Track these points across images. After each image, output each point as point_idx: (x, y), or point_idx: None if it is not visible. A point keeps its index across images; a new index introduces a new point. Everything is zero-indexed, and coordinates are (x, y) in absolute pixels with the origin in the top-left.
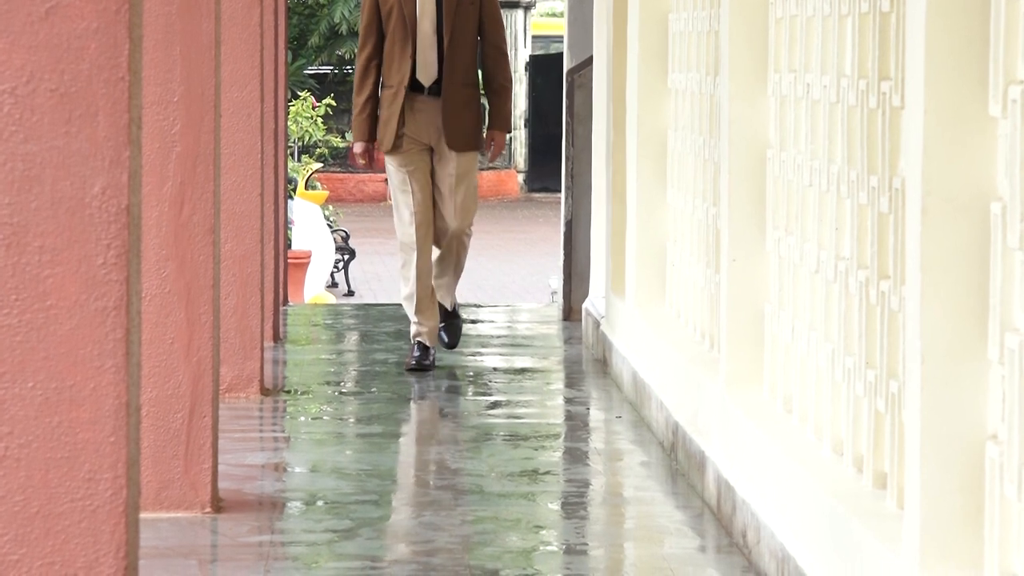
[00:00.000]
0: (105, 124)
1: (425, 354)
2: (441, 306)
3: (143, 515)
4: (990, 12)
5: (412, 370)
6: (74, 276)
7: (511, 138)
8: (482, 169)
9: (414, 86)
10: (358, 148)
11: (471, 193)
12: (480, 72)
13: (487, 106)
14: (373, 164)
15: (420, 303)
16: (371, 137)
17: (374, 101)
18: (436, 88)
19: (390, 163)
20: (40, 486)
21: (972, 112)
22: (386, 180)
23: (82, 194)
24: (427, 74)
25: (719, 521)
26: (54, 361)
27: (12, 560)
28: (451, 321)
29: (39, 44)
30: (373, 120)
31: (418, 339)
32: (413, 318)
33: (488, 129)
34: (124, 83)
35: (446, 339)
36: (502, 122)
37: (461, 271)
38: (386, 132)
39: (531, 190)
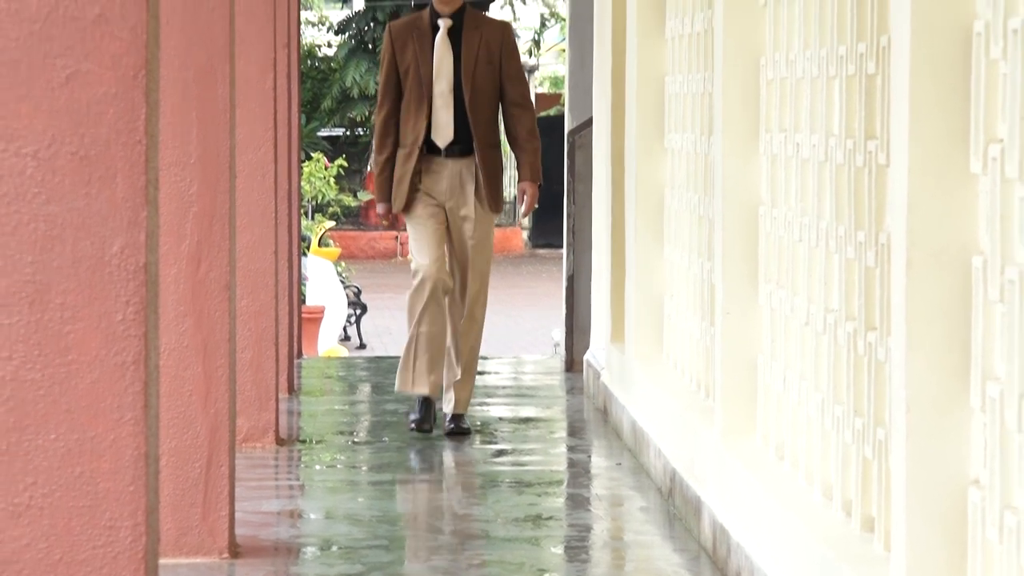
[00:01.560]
0: (124, 186)
1: (426, 414)
2: (455, 416)
3: (162, 561)
4: (971, 74)
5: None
6: (94, 332)
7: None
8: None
9: (430, 147)
10: (380, 209)
11: (487, 251)
12: (505, 129)
13: (517, 161)
14: (397, 224)
15: (423, 362)
16: (390, 198)
17: (393, 161)
18: (453, 149)
19: (407, 220)
20: (63, 534)
21: (954, 169)
22: (396, 237)
23: (102, 253)
24: (442, 135)
25: (715, 564)
26: (76, 413)
27: None
28: (460, 428)
29: (60, 109)
30: (391, 181)
31: (418, 393)
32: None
33: (519, 182)
34: (141, 146)
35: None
36: (533, 174)
37: (474, 360)
38: (399, 192)
39: (535, 246)
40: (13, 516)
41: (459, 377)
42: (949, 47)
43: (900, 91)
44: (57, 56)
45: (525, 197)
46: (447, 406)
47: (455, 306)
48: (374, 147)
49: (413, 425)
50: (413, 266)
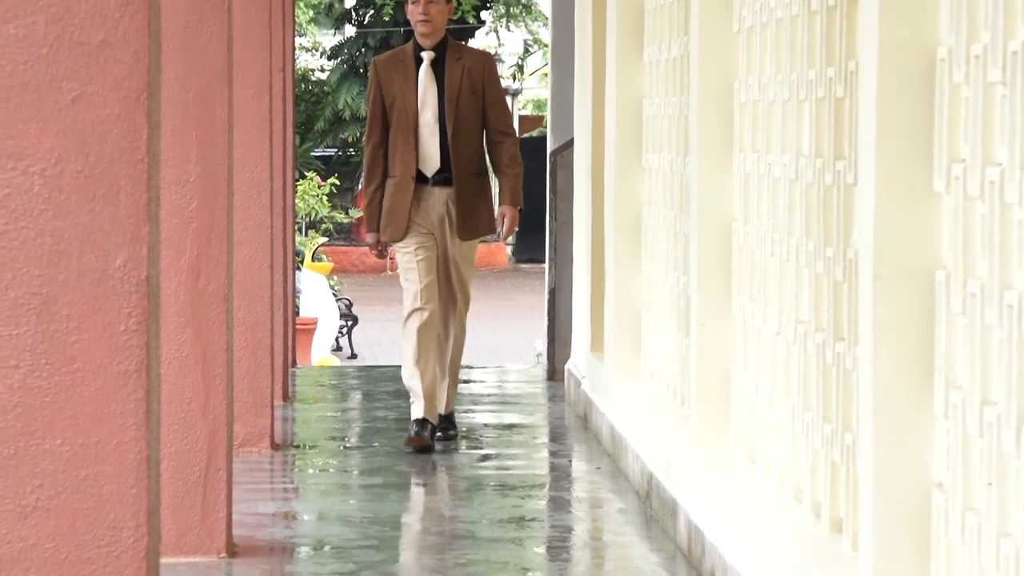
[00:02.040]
0: (126, 202)
1: (423, 429)
2: (444, 416)
3: (163, 560)
4: (934, 97)
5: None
6: (98, 342)
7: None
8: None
9: (419, 177)
10: (369, 239)
11: (469, 272)
12: (488, 156)
13: (499, 185)
14: (385, 254)
15: (423, 390)
16: (379, 227)
17: (382, 191)
18: (439, 177)
19: (397, 249)
20: (68, 534)
21: (919, 188)
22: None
23: (105, 266)
24: (429, 165)
25: (690, 563)
26: (80, 419)
27: None
28: (446, 432)
29: (66, 129)
30: (380, 211)
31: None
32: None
33: (499, 206)
34: (143, 165)
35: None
36: (513, 198)
37: (458, 361)
38: (389, 222)
39: (519, 261)
40: (20, 517)
41: (446, 381)
42: (914, 72)
43: (867, 113)
44: (63, 79)
45: (505, 221)
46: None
47: (443, 321)
48: (364, 178)
49: (413, 435)
50: (405, 296)
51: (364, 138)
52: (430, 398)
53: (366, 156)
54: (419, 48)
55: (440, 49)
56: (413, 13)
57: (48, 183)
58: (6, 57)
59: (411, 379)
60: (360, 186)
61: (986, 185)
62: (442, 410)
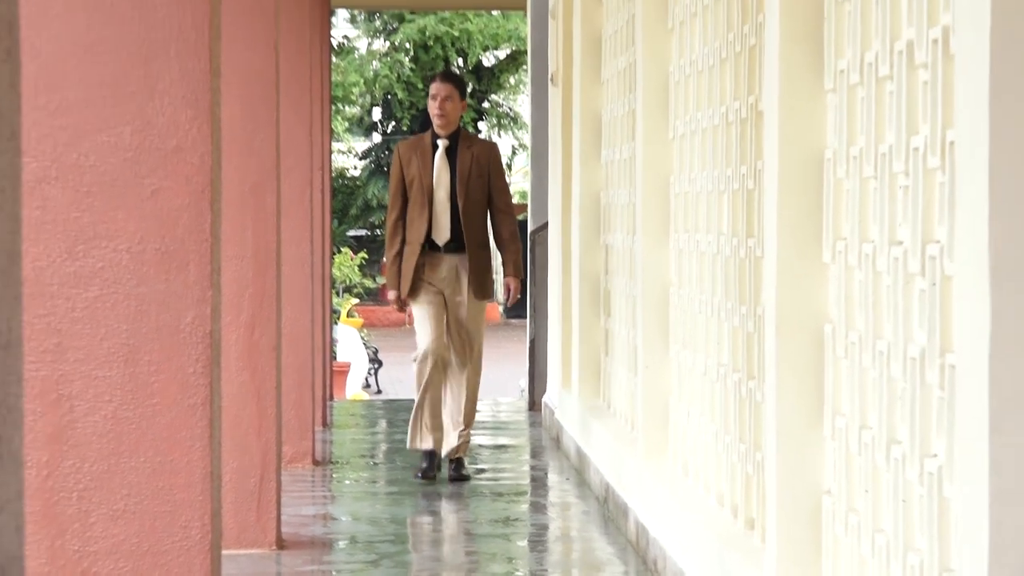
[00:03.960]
0: (194, 272)
1: (431, 464)
2: (456, 460)
3: (226, 552)
4: (823, 188)
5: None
6: (172, 382)
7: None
8: None
9: (431, 244)
10: (391, 296)
11: (480, 326)
12: (492, 231)
13: (502, 258)
14: (404, 308)
15: (427, 423)
16: (399, 286)
17: (401, 256)
18: (450, 246)
19: (412, 304)
20: (149, 532)
21: (811, 259)
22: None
23: (178, 323)
24: (441, 235)
25: (637, 553)
26: (158, 442)
27: None
28: (460, 475)
29: (147, 215)
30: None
31: (424, 448)
32: (416, 437)
33: (504, 277)
34: (207, 243)
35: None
36: (516, 270)
37: (472, 413)
38: (406, 281)
39: (508, 317)
40: (112, 519)
41: (462, 427)
42: (806, 169)
43: (770, 201)
44: (145, 176)
45: (511, 290)
46: (446, 449)
47: (454, 373)
48: (386, 244)
49: (420, 475)
50: (418, 342)
51: (388, 209)
52: (438, 437)
53: (388, 226)
54: (436, 136)
55: (454, 138)
56: (432, 108)
57: (133, 258)
58: (100, 159)
59: (418, 412)
60: (384, 259)
61: (863, 257)
62: (458, 453)
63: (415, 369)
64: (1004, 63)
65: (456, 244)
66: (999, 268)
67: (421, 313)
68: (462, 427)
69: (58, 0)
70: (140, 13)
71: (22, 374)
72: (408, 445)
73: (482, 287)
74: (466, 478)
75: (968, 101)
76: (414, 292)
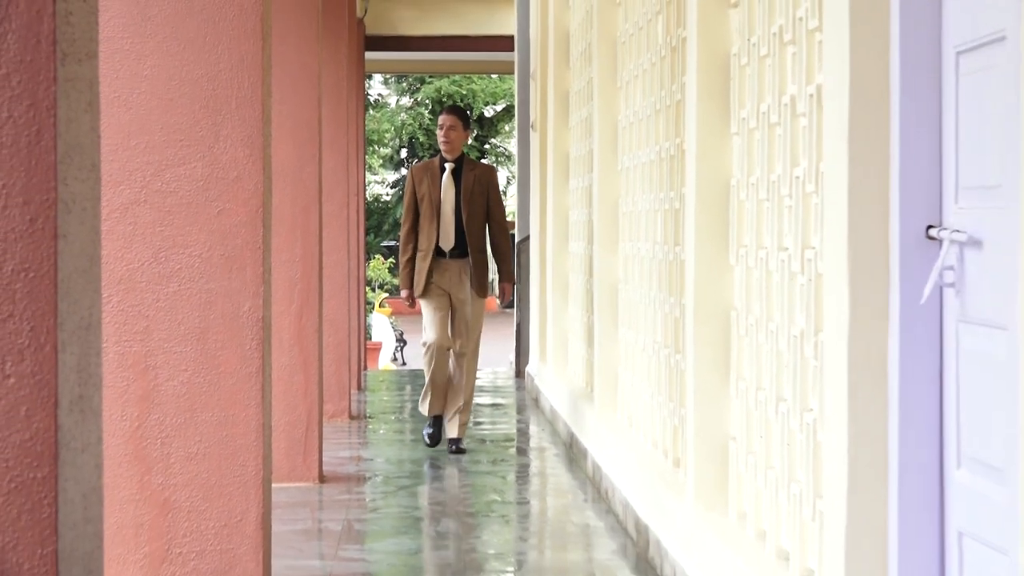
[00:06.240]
0: (251, 272)
1: (436, 430)
2: (455, 439)
3: (279, 485)
4: (730, 208)
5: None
6: (234, 356)
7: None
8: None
9: (438, 251)
10: (403, 294)
11: (480, 320)
12: (489, 241)
13: (497, 266)
14: (414, 305)
15: (434, 396)
16: (411, 286)
17: (412, 261)
18: (455, 252)
19: (421, 302)
20: (215, 469)
21: (720, 262)
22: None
23: (238, 311)
24: (447, 243)
25: (593, 484)
26: (224, 401)
27: (202, 509)
28: (459, 448)
29: (214, 229)
30: (412, 274)
31: (433, 414)
32: (424, 407)
33: (500, 283)
34: (260, 251)
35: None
36: (508, 276)
37: (471, 398)
38: (418, 282)
39: (503, 307)
40: (187, 459)
41: (461, 410)
42: (717, 193)
43: (690, 218)
44: (212, 200)
45: (506, 293)
46: (451, 431)
47: (457, 358)
48: (400, 250)
49: (427, 439)
50: (425, 334)
51: (402, 221)
52: (441, 404)
53: (402, 235)
54: (443, 160)
55: (459, 162)
56: (439, 135)
57: (203, 262)
58: (178, 187)
59: (426, 396)
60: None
61: (759, 260)
62: (458, 434)
63: (423, 354)
64: (859, 114)
65: (460, 250)
66: (855, 268)
67: (429, 310)
68: (461, 411)
69: (146, 64)
70: (209, 75)
71: (101, 348)
72: (420, 410)
73: (482, 286)
74: (463, 451)
75: (833, 141)
76: (425, 292)
